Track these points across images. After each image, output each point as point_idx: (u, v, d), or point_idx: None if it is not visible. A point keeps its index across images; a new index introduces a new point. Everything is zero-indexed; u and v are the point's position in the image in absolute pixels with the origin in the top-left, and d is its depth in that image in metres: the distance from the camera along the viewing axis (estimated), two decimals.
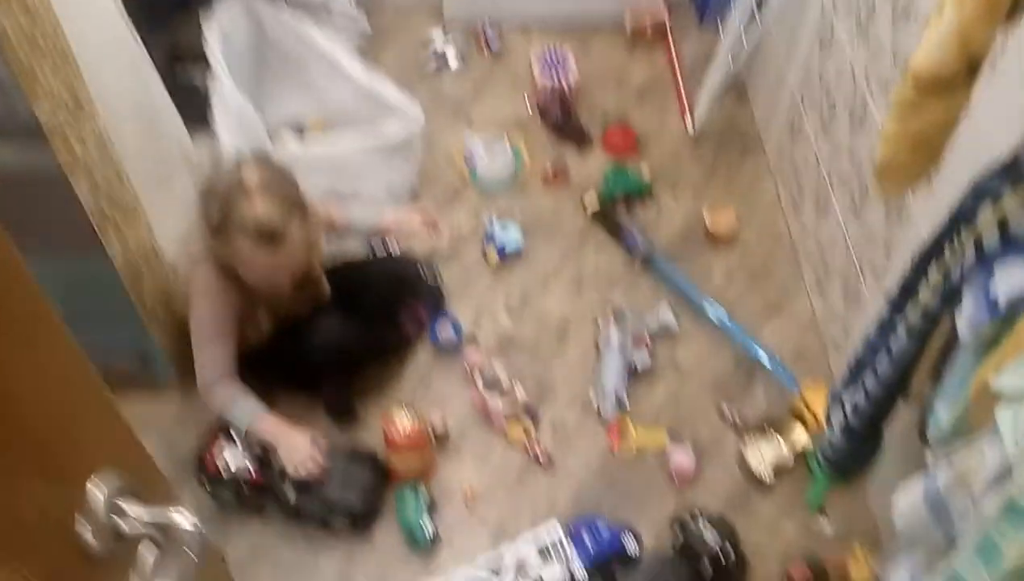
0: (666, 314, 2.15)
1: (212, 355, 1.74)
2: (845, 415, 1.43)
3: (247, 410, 1.76)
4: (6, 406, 0.63)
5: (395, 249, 2.24)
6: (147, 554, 0.78)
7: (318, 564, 1.79)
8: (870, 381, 1.37)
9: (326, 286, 1.92)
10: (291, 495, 1.78)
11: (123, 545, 0.76)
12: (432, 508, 1.83)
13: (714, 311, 2.13)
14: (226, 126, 2.12)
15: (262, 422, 1.77)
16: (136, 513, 0.75)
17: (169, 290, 1.93)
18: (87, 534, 0.72)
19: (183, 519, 0.76)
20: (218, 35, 2.24)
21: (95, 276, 1.74)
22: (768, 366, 2.03)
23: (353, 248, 2.19)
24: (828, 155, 2.09)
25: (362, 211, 2.04)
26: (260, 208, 1.57)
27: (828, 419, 1.52)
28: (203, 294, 1.72)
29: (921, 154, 1.20)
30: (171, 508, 0.77)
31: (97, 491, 0.74)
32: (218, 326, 1.73)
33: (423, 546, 1.78)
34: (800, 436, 1.90)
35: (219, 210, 1.59)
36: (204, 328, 1.74)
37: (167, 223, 1.96)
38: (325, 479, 1.77)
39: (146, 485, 0.81)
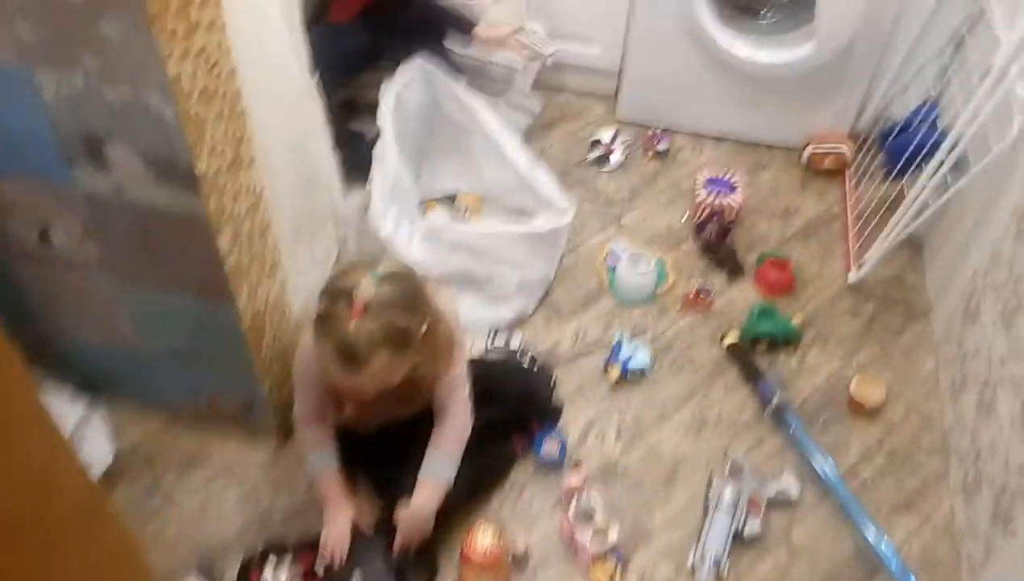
0: (788, 481, 1.97)
1: (305, 397, 1.77)
2: None
3: (319, 462, 1.79)
4: None
5: (529, 355, 2.17)
6: None
7: None
8: None
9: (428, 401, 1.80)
10: None
11: None
12: None
13: (842, 490, 1.93)
14: (380, 190, 2.11)
15: (323, 479, 1.79)
16: None
17: (290, 346, 1.91)
18: None
19: None
20: (393, 96, 2.26)
21: (219, 322, 1.74)
22: (891, 568, 1.81)
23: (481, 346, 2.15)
24: (1004, 352, 1.88)
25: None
26: (352, 327, 1.47)
27: None
28: (303, 348, 1.71)
29: None
30: None
31: None
32: (309, 381, 1.74)
33: None
34: None
35: (324, 306, 1.53)
36: (298, 372, 1.76)
37: (302, 279, 1.95)
38: (339, 568, 1.71)
39: None
